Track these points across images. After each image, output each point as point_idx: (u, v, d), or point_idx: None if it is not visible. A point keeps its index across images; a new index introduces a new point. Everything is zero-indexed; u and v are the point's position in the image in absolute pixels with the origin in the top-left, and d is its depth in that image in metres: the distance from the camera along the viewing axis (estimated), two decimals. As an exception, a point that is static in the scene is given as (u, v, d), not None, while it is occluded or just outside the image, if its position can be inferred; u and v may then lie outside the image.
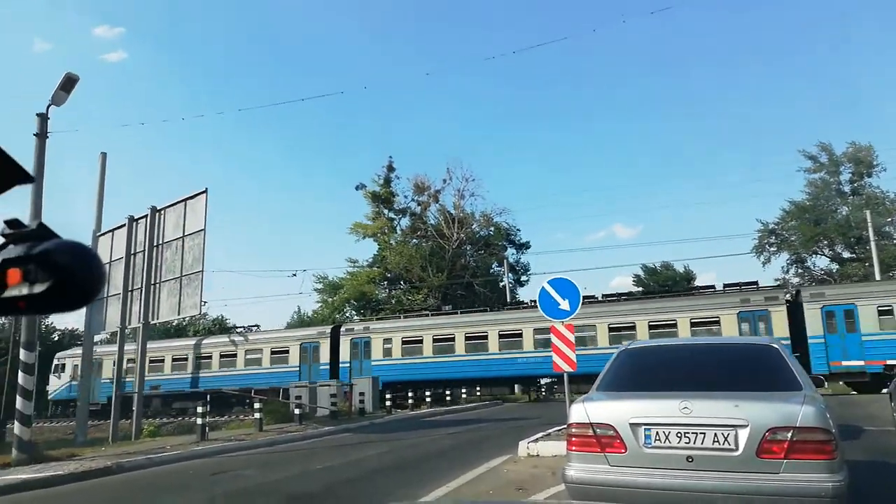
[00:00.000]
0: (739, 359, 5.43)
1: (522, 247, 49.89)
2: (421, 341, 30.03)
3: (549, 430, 11.03)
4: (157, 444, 14.30)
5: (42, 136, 13.82)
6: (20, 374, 12.63)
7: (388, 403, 23.25)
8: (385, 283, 48.16)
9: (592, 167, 75.99)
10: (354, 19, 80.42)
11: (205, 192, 16.51)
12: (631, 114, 74.69)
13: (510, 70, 76.07)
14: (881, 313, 23.04)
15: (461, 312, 32.22)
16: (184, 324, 45.53)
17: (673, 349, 6.27)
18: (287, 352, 32.17)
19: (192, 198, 16.72)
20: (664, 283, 51.95)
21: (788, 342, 22.62)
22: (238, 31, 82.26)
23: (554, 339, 10.59)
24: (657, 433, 4.39)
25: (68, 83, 13.92)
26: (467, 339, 29.30)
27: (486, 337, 28.95)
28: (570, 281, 10.82)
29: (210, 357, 33.61)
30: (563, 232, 78.96)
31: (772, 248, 46.64)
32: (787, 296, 26.31)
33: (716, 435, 4.23)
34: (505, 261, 45.94)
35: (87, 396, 17.21)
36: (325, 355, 31.43)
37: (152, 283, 17.09)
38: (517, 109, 75.78)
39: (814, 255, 46.21)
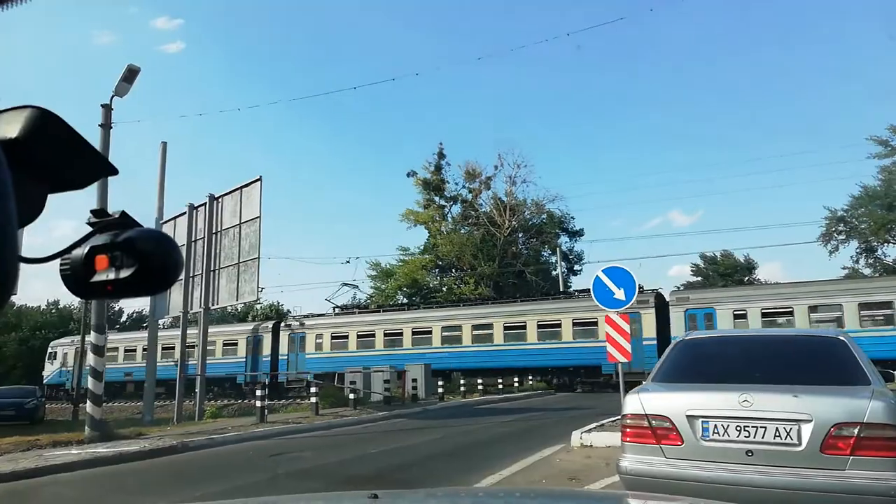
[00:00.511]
0: (804, 351, 5.24)
1: (576, 234, 49.28)
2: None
3: (603, 421, 10.92)
4: (218, 425, 14.83)
5: (107, 126, 14.37)
6: (90, 355, 13.28)
7: (440, 390, 23.42)
8: (437, 270, 48.39)
9: (649, 152, 74.23)
10: (406, 6, 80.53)
11: (259, 179, 16.93)
12: (689, 96, 72.49)
13: (564, 53, 74.80)
14: (736, 317, 25.19)
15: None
16: (238, 310, 46.87)
17: (733, 341, 6.11)
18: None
19: (247, 186, 17.17)
20: (724, 273, 50.52)
21: (655, 342, 25.12)
22: (291, 20, 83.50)
23: (608, 329, 10.45)
24: (715, 426, 4.31)
25: (130, 74, 14.40)
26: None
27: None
28: (625, 269, 10.63)
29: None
30: (618, 219, 77.43)
31: (840, 237, 44.62)
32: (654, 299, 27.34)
33: (777, 429, 4.11)
34: (558, 249, 45.47)
35: (153, 379, 17.94)
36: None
37: (212, 269, 17.66)
38: (571, 93, 74.57)
39: (885, 244, 43.99)
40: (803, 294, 25.32)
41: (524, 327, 29.27)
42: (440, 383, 23.71)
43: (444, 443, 11.55)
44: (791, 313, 25.49)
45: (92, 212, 0.70)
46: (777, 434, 4.11)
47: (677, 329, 24.79)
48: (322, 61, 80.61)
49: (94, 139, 14.37)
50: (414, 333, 31.43)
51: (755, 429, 4.17)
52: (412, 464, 9.15)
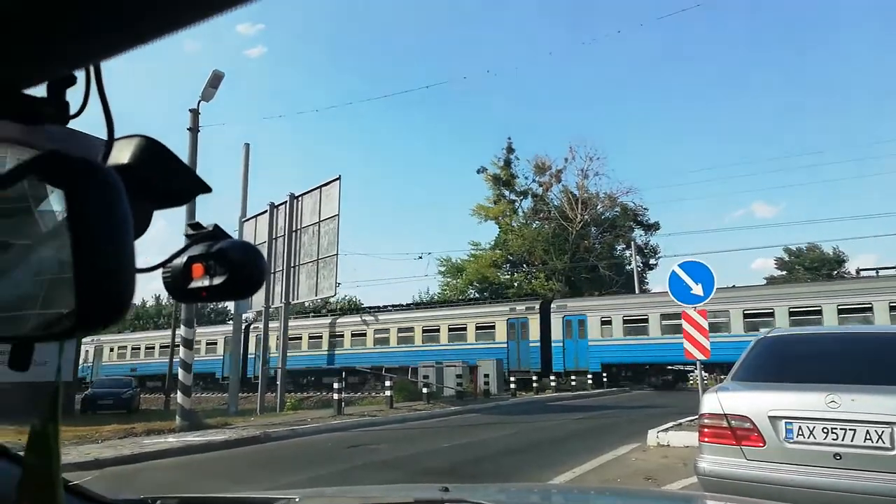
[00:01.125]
0: (896, 349, 4.95)
1: (651, 228, 47.98)
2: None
3: (681, 420, 10.65)
4: (298, 416, 15.40)
5: (194, 130, 15.10)
6: (181, 348, 14.06)
7: (512, 386, 23.41)
8: (507, 266, 48.22)
9: (730, 142, 71.28)
10: (477, 4, 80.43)
11: (338, 179, 17.40)
12: (771, 83, 69.14)
13: (636, 43, 72.77)
14: (603, 323, 28.34)
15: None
16: (318, 304, 48.34)
17: (819, 338, 5.83)
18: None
19: (326, 185, 17.68)
20: (811, 267, 47.96)
21: (538, 344, 29.14)
22: (365, 22, 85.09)
23: (686, 326, 10.17)
24: (800, 428, 4.15)
25: (215, 80, 15.08)
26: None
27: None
28: (703, 264, 10.31)
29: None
30: (697, 212, 74.82)
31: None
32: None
33: (868, 432, 3.92)
34: (632, 243, 44.40)
35: (238, 371, 18.77)
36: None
37: (292, 265, 18.31)
38: (645, 83, 72.58)
39: None
40: (657, 303, 26.11)
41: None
42: (512, 379, 23.70)
43: (517, 438, 11.56)
44: (646, 320, 27.43)
45: (188, 225, 0.81)
46: (868, 437, 3.92)
47: (557, 333, 28.81)
48: (394, 62, 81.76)
49: (184, 142, 15.18)
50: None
51: (843, 431, 4.00)
52: (484, 458, 9.22)
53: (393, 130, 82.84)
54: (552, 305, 30.46)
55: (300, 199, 18.54)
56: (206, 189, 0.82)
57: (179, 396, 13.37)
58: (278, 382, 18.09)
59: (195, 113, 15.17)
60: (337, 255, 16.94)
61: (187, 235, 0.80)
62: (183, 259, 0.77)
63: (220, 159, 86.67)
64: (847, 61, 65.33)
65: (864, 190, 65.89)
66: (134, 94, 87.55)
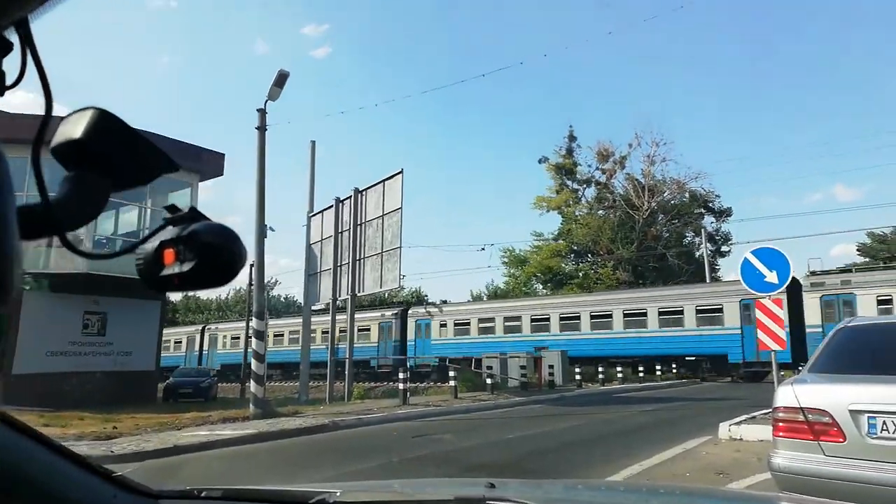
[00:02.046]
0: None
1: (722, 214, 46.28)
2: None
3: (754, 413, 10.26)
4: (365, 406, 15.70)
5: (262, 129, 15.50)
6: (253, 339, 14.55)
7: (577, 377, 23.11)
8: (572, 255, 47.56)
9: (809, 122, 67.81)
10: (536, -11, 79.28)
11: (400, 172, 17.55)
12: (851, 60, 65.23)
13: (707, 18, 70.08)
14: None
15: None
16: (385, 296, 49.00)
17: (906, 328, 5.48)
18: None
19: (389, 178, 17.87)
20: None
21: None
22: (420, 14, 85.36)
23: (760, 315, 9.78)
24: (885, 422, 3.92)
25: (281, 79, 15.40)
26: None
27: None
28: (777, 250, 9.87)
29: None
30: (773, 196, 71.53)
31: None
32: None
33: (960, 428, 3.67)
34: (702, 230, 42.96)
35: (307, 361, 19.29)
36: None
37: (357, 258, 18.62)
38: (716, 58, 69.80)
39: None
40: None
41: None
42: (577, 370, 23.41)
43: (583, 430, 11.42)
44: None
45: (165, 207, 0.77)
46: (960, 433, 3.67)
47: None
48: (453, 50, 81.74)
49: (252, 141, 15.62)
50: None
51: (932, 427, 3.75)
52: (549, 450, 9.15)
53: (452, 122, 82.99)
54: None
55: (364, 193, 18.82)
56: (173, 167, 0.77)
57: (253, 386, 13.85)
58: (346, 372, 18.48)
59: (262, 112, 15.57)
60: (400, 247, 17.11)
61: (164, 219, 0.75)
62: (155, 243, 0.73)
63: (291, 156, 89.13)
64: (938, 32, 60.85)
65: (959, 169, 61.40)
66: (206, 95, 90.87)
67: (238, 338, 40.09)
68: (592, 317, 30.13)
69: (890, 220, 60.83)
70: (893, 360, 4.57)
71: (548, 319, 31.34)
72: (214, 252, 0.70)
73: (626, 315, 29.24)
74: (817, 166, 68.29)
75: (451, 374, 18.06)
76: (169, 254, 0.71)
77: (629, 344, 28.58)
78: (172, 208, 0.75)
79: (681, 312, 27.75)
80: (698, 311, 27.35)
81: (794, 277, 29.35)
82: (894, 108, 63.88)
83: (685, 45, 70.65)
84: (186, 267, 0.69)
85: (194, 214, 0.74)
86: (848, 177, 71.80)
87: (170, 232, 0.72)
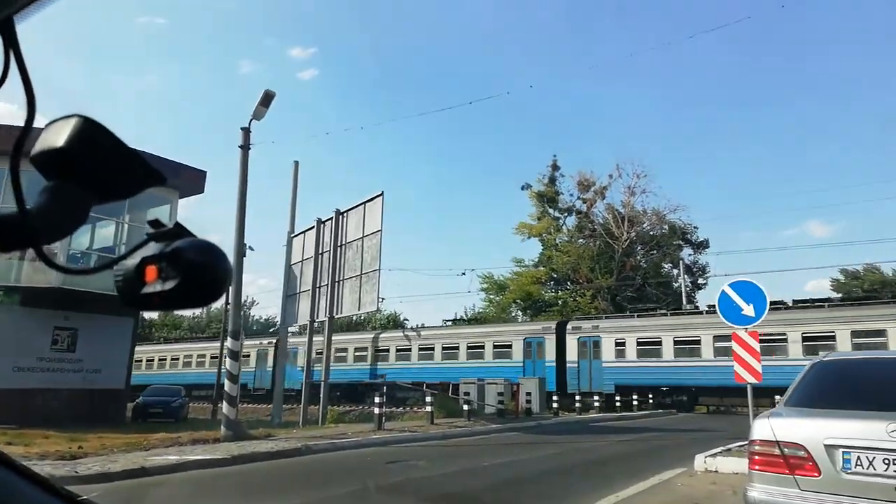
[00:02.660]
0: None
1: (700, 246, 46.86)
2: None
3: (730, 446, 10.27)
4: (339, 430, 15.46)
5: (245, 147, 15.42)
6: (227, 360, 14.31)
7: (555, 405, 23.04)
8: (551, 283, 47.74)
9: (784, 159, 69.34)
10: (519, 19, 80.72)
11: (381, 195, 17.57)
12: (825, 96, 67.10)
13: (685, 56, 71.70)
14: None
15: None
16: (362, 319, 48.68)
17: (880, 363, 5.55)
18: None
19: (370, 201, 17.88)
20: (869, 289, 45.96)
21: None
22: (410, 42, 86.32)
23: (735, 347, 9.83)
24: (858, 458, 3.93)
25: (266, 99, 15.37)
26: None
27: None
28: (754, 283, 9.97)
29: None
30: (749, 230, 72.67)
31: None
32: None
33: (934, 465, 3.69)
34: (680, 261, 43.43)
35: (282, 383, 19.01)
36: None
37: (337, 280, 18.51)
38: (693, 98, 71.37)
39: None
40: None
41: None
42: (555, 398, 23.34)
43: (559, 459, 11.33)
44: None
45: (149, 222, 0.73)
46: (933, 470, 3.69)
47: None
48: (439, 76, 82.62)
49: (235, 160, 15.52)
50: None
51: (906, 463, 3.77)
52: (525, 479, 9.06)
53: (437, 147, 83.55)
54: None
55: (345, 214, 18.79)
56: (160, 180, 0.73)
57: (225, 407, 13.58)
58: (321, 395, 18.23)
59: (246, 131, 15.51)
60: (379, 269, 17.06)
61: (146, 234, 0.71)
62: (136, 260, 0.69)
63: (274, 177, 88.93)
64: (909, 76, 62.89)
65: (928, 209, 63.00)
66: (190, 114, 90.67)
67: (210, 357, 39.75)
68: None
69: (862, 258, 62.13)
70: (868, 395, 4.61)
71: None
72: (199, 270, 0.67)
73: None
74: (791, 202, 69.77)
75: (428, 399, 17.90)
76: (151, 271, 0.67)
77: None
78: (156, 223, 0.71)
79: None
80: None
81: (560, 322, 30.87)
82: (868, 146, 65.66)
83: (666, 81, 72.15)
84: (169, 285, 0.66)
85: (179, 230, 0.70)
86: (822, 213, 73.33)
87: (152, 248, 0.69)
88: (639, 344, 28.27)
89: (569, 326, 30.70)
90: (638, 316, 30.98)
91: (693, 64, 69.91)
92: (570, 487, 8.38)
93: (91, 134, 0.64)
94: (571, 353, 29.68)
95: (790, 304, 26.31)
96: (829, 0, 63.10)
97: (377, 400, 15.77)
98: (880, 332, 22.72)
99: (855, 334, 23.12)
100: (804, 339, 23.95)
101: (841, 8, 64.58)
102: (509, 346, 31.36)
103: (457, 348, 32.88)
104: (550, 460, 11.20)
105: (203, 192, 19.77)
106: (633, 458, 11.52)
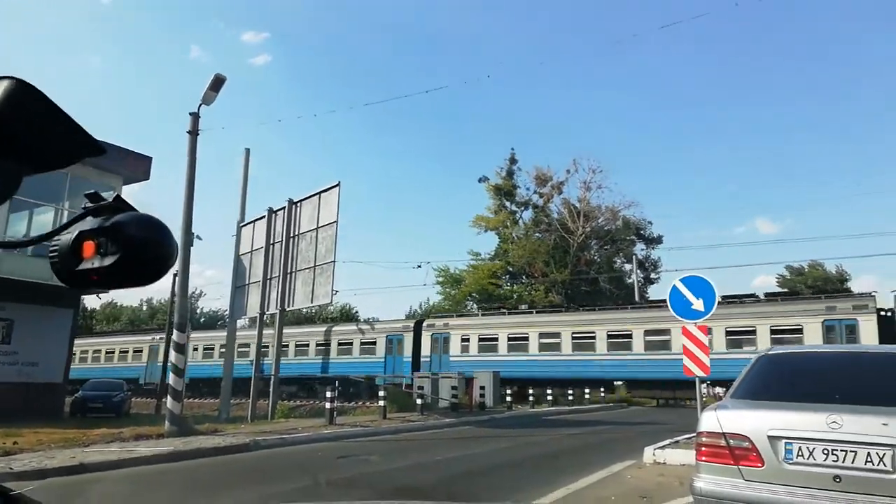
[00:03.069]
0: (899, 369, 4.81)
1: (653, 241, 47.88)
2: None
3: (678, 438, 10.46)
4: (289, 425, 15.18)
5: (194, 133, 14.92)
6: (172, 352, 13.88)
7: (508, 399, 23.18)
8: (507, 277, 48.05)
9: (734, 156, 71.36)
10: (476, 9, 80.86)
11: (337, 185, 17.29)
12: (776, 97, 69.34)
13: (642, 55, 73.05)
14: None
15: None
16: (312, 312, 48.06)
17: (821, 357, 5.70)
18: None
19: (325, 191, 17.57)
20: (812, 285, 47.77)
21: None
22: (365, 29, 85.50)
23: (685, 342, 10.00)
24: (800, 448, 4.00)
25: (217, 83, 14.89)
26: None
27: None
28: (704, 279, 10.16)
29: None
30: (700, 227, 74.74)
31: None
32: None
33: (869, 454, 3.78)
34: (633, 257, 44.27)
35: (230, 377, 18.58)
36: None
37: (288, 272, 18.15)
38: (649, 96, 72.79)
39: None
40: None
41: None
42: (508, 392, 23.48)
43: (511, 453, 11.37)
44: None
45: (86, 195, 0.66)
46: (869, 459, 3.78)
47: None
48: (396, 64, 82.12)
49: (183, 145, 15.03)
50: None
51: (844, 453, 3.85)
52: (477, 472, 9.03)
53: (394, 138, 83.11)
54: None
55: (299, 204, 18.43)
56: (98, 150, 0.66)
57: (169, 401, 13.18)
58: (271, 390, 17.88)
59: (195, 116, 15.02)
60: (334, 262, 16.79)
61: (83, 207, 0.66)
62: (73, 234, 0.64)
63: (224, 164, 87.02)
64: (856, 72, 65.52)
65: (867, 209, 65.91)
66: (136, 98, 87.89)
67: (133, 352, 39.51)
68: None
69: (807, 255, 64.50)
70: (809, 388, 4.71)
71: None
72: (141, 246, 0.61)
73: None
74: (741, 200, 71.94)
75: (381, 393, 17.75)
76: (88, 246, 0.62)
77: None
78: (94, 196, 0.66)
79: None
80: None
81: (417, 320, 33.70)
82: (817, 142, 68.13)
83: (628, 78, 73.36)
84: (108, 261, 0.60)
85: (119, 204, 0.65)
86: (770, 211, 75.89)
87: (90, 222, 0.63)
88: (480, 339, 30.94)
89: (424, 324, 33.12)
90: (483, 314, 34.34)
91: (647, 63, 71.29)
92: (522, 480, 8.39)
93: (22, 97, 0.57)
94: (425, 349, 31.80)
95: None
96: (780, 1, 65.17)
97: (328, 394, 15.56)
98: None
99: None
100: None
101: (793, 8, 66.74)
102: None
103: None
104: (503, 454, 11.22)
105: (148, 178, 19.11)
106: (583, 451, 11.64)
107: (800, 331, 24.01)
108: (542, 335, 29.80)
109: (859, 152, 66.31)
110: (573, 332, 29.18)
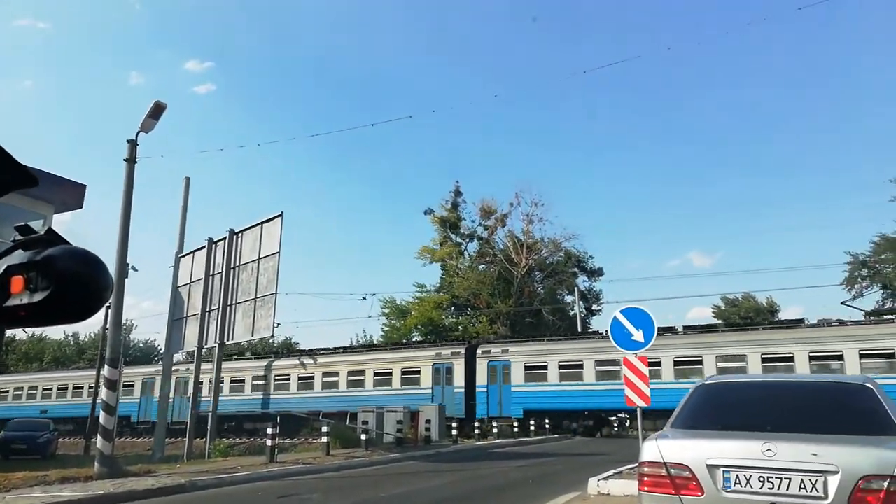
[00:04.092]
0: (830, 399, 5.02)
1: (594, 273, 48.88)
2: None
3: (621, 469, 10.57)
4: (228, 464, 14.62)
5: (131, 161, 14.50)
6: (103, 389, 13.23)
7: (454, 433, 22.99)
8: (452, 308, 48.06)
9: (670, 191, 74.08)
10: (422, 45, 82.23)
11: (280, 216, 17.05)
12: (705, 135, 72.62)
13: (580, 92, 75.54)
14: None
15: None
16: (251, 344, 46.71)
17: (755, 386, 5.89)
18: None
19: (268, 221, 17.30)
20: (746, 316, 49.67)
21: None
22: (311, 61, 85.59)
23: (626, 372, 10.19)
24: (737, 476, 4.10)
25: (157, 110, 14.52)
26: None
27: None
28: (643, 310, 10.41)
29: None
30: (638, 259, 76.91)
31: (863, 282, 43.74)
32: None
33: (802, 481, 3.90)
34: (576, 288, 45.04)
35: (165, 415, 17.82)
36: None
37: (228, 304, 17.68)
38: (588, 133, 75.09)
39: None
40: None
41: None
42: (454, 426, 23.30)
43: (457, 488, 11.24)
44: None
45: (16, 228, 0.62)
46: (802, 486, 3.90)
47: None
48: (341, 97, 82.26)
49: (120, 173, 14.53)
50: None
51: (779, 480, 3.96)
52: (422, 509, 8.89)
53: (337, 169, 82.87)
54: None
55: (240, 235, 18.07)
56: (31, 181, 0.63)
57: (99, 441, 12.51)
58: (209, 427, 17.22)
59: (133, 143, 14.61)
60: (276, 293, 16.47)
61: (13, 240, 0.63)
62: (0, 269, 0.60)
63: (163, 194, 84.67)
64: (779, 111, 69.38)
65: (795, 242, 69.27)
66: (76, 123, 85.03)
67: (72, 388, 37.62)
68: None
69: (741, 287, 67.08)
70: (745, 416, 4.85)
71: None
72: (74, 281, 0.59)
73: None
74: (676, 233, 74.56)
75: (324, 429, 17.32)
76: (17, 281, 0.60)
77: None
78: (25, 229, 0.64)
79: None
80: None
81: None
82: (746, 179, 71.40)
83: (564, 113, 75.58)
84: (38, 297, 0.58)
85: (51, 237, 0.63)
86: (703, 244, 78.80)
87: (19, 256, 0.61)
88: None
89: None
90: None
91: (584, 99, 73.71)
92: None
93: None
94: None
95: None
96: (715, 45, 68.67)
97: (269, 431, 15.08)
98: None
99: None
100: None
101: (728, 53, 70.45)
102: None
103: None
104: (448, 489, 11.08)
105: (82, 206, 18.26)
106: (528, 484, 11.62)
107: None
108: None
109: (782, 187, 69.91)
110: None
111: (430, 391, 29.65)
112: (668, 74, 71.43)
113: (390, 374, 31.25)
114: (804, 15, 64.69)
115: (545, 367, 28.33)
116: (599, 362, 26.73)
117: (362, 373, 31.77)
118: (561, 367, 27.95)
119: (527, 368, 28.58)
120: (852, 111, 66.71)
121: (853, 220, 65.47)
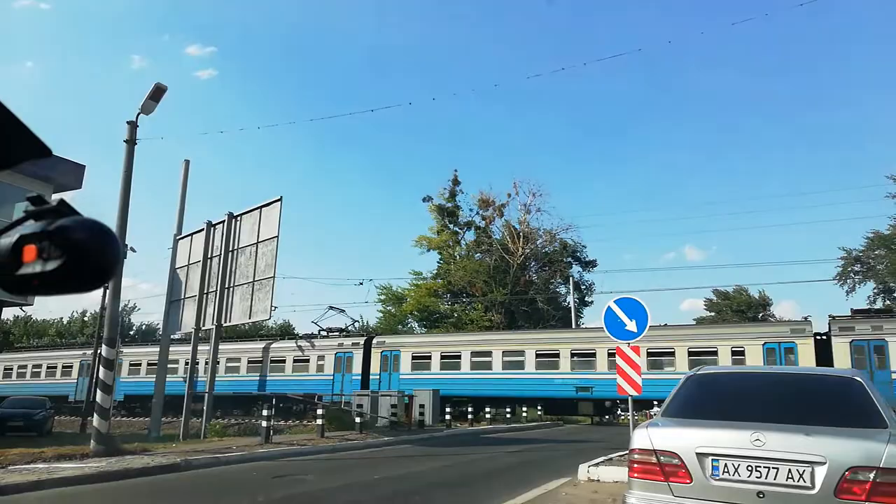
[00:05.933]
0: (819, 391, 5.12)
1: (588, 265, 49.01)
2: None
3: (612, 455, 10.71)
4: (223, 443, 14.74)
5: (131, 142, 14.49)
6: (100, 368, 13.31)
7: (447, 417, 23.18)
8: (448, 296, 48.22)
9: (666, 185, 74.11)
10: (427, 31, 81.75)
11: (279, 200, 17.05)
12: (703, 130, 72.56)
13: (581, 82, 75.35)
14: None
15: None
16: (246, 327, 46.80)
17: (746, 377, 5.99)
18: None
19: (267, 205, 17.29)
20: (738, 309, 49.90)
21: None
22: (314, 46, 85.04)
23: (619, 361, 10.30)
24: (726, 465, 4.19)
25: (157, 93, 14.51)
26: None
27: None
28: (638, 301, 10.50)
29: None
30: (632, 251, 77.12)
31: (856, 277, 43.95)
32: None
33: (790, 471, 3.99)
34: (570, 279, 45.18)
35: (161, 394, 17.92)
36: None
37: (226, 287, 17.72)
38: (589, 124, 74.95)
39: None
40: None
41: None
42: (448, 410, 23.49)
43: (449, 471, 11.38)
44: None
45: (28, 198, 0.64)
46: (790, 476, 3.99)
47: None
48: (342, 83, 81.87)
49: (120, 155, 14.51)
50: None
51: (767, 469, 4.05)
52: (414, 492, 9.01)
53: (337, 154, 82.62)
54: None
55: (239, 218, 18.07)
56: (45, 152, 0.64)
57: (95, 419, 12.60)
58: (205, 407, 17.32)
59: (133, 125, 14.60)
60: (274, 277, 16.52)
61: (25, 211, 0.65)
62: (13, 238, 0.61)
63: (162, 176, 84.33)
64: (776, 110, 69.28)
65: (788, 238, 69.48)
66: (76, 105, 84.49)
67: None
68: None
69: (732, 280, 67.38)
70: (736, 406, 4.94)
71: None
72: (86, 250, 0.60)
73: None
74: (671, 227, 74.70)
75: (319, 411, 17.44)
76: (29, 250, 0.60)
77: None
78: (37, 199, 0.63)
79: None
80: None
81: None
82: (739, 177, 71.45)
83: (563, 105, 75.38)
84: (50, 266, 0.58)
85: (63, 207, 0.62)
86: (697, 239, 79.01)
87: (32, 226, 0.61)
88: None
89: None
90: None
91: (588, 91, 73.48)
92: (460, 499, 8.42)
93: None
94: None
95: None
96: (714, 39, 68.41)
97: (264, 412, 15.19)
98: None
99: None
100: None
101: (726, 44, 70.21)
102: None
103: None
104: (441, 472, 11.22)
105: (81, 187, 18.35)
106: (521, 468, 11.77)
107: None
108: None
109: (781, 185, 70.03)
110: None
111: (331, 378, 31.93)
112: (669, 67, 71.20)
113: (307, 361, 33.51)
114: (803, 8, 64.44)
115: (429, 358, 30.84)
116: (475, 353, 29.85)
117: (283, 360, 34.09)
118: (443, 357, 30.55)
119: (413, 358, 31.28)
120: (852, 109, 66.66)
121: (847, 216, 65.62)
